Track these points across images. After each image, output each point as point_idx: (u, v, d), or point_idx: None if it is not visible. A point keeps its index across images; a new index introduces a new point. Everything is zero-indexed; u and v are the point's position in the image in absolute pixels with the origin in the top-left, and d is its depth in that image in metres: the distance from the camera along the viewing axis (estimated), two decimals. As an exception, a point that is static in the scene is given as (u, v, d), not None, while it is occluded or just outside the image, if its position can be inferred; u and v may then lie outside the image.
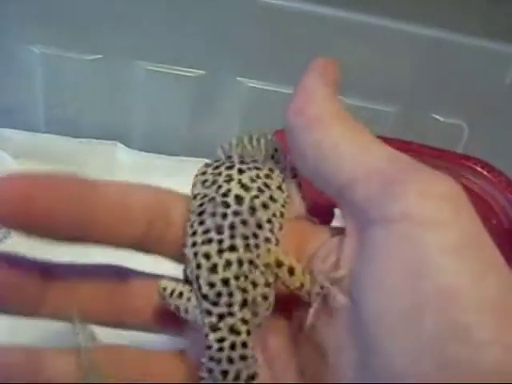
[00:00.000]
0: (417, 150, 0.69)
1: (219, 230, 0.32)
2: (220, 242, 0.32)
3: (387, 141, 0.69)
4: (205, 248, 0.32)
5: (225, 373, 0.31)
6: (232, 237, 0.32)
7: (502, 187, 0.68)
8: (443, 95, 0.70)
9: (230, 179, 0.35)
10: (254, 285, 0.32)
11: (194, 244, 0.33)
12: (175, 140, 0.73)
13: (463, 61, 0.69)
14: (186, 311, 0.33)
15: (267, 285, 0.32)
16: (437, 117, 0.70)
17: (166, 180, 0.75)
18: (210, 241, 0.32)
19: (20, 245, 0.63)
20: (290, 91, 0.69)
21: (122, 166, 0.74)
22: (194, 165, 0.75)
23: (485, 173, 0.68)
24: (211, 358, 0.32)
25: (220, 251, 0.32)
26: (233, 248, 0.32)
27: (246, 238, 0.32)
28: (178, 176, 0.75)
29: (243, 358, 0.31)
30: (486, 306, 0.28)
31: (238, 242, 0.32)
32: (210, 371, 0.32)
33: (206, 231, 0.33)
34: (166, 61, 0.68)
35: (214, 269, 0.32)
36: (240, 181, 0.34)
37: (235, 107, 0.70)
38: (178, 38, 0.66)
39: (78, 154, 0.73)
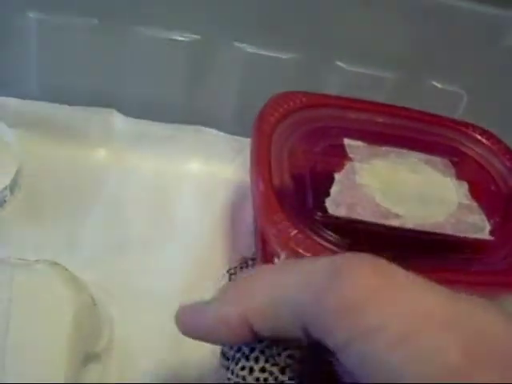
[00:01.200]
0: (415, 116, 0.69)
1: None
2: None
3: (386, 107, 0.69)
4: None
5: None
6: None
7: (500, 154, 0.68)
8: (442, 62, 0.69)
9: None
10: None
11: None
12: (172, 107, 0.73)
13: (462, 27, 0.68)
14: None
15: None
16: (435, 84, 0.70)
17: (163, 148, 0.75)
18: None
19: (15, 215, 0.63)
20: (288, 56, 0.70)
21: (118, 134, 0.73)
22: (192, 132, 0.76)
23: (483, 140, 0.68)
24: None
25: None
26: None
27: None
28: (175, 143, 0.75)
29: None
30: None
31: None
32: None
33: None
34: (161, 26, 0.66)
35: None
36: None
37: (232, 73, 0.70)
38: (173, 2, 0.65)
39: (73, 122, 0.72)
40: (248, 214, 0.70)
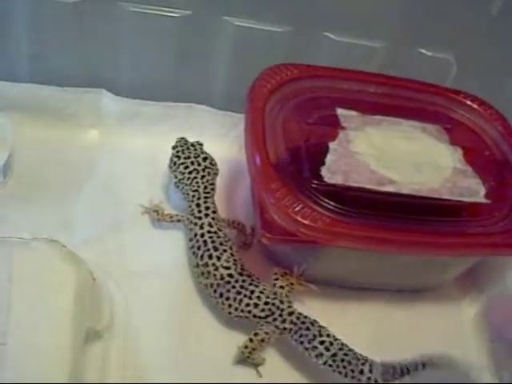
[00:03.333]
0: (406, 85, 0.69)
1: None
2: None
3: (377, 76, 0.69)
4: None
5: None
6: None
7: (492, 120, 0.68)
8: (431, 30, 0.69)
9: None
10: None
11: None
12: (162, 85, 0.72)
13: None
14: None
15: None
16: (424, 52, 0.70)
17: (155, 126, 0.74)
18: None
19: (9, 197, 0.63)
20: (278, 29, 0.69)
21: (108, 114, 0.72)
22: (183, 110, 0.75)
23: (475, 106, 0.69)
24: None
25: None
26: None
27: None
28: (167, 122, 0.75)
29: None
30: None
31: None
32: None
33: None
34: (150, 1, 0.66)
35: None
36: None
37: (222, 48, 0.69)
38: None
39: (63, 103, 0.72)
40: (244, 188, 0.70)
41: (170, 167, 0.64)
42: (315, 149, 0.59)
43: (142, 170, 0.70)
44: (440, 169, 0.61)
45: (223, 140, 0.73)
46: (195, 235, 0.58)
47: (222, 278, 0.56)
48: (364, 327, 0.62)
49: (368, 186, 0.57)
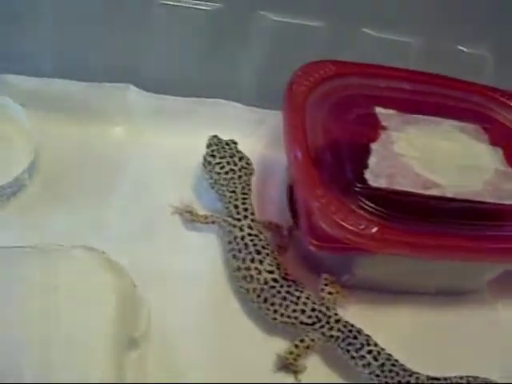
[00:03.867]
0: (443, 82, 0.67)
1: None
2: None
3: (414, 74, 0.67)
4: None
5: None
6: None
7: (532, 118, 0.66)
8: (467, 25, 0.67)
9: None
10: None
11: None
12: (190, 80, 0.70)
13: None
14: None
15: None
16: (461, 48, 0.68)
17: (181, 123, 0.72)
18: None
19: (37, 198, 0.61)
20: (315, 24, 0.67)
21: (135, 110, 0.70)
22: (210, 106, 0.73)
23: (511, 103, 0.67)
24: None
25: None
26: None
27: None
28: (193, 118, 0.73)
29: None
30: None
31: None
32: None
33: None
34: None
35: None
36: None
37: (256, 43, 0.67)
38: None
39: (88, 98, 0.69)
40: (273, 188, 0.69)
41: (205, 167, 0.62)
42: (357, 150, 0.58)
43: (171, 169, 0.68)
44: (481, 171, 0.60)
45: (250, 137, 0.71)
46: (235, 238, 0.57)
47: (266, 283, 0.55)
48: (402, 332, 0.61)
49: (413, 190, 0.56)
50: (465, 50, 0.68)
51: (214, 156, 0.61)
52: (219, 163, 0.61)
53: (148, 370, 0.54)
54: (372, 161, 0.57)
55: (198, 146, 0.65)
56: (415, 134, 0.60)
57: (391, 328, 0.60)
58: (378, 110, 0.62)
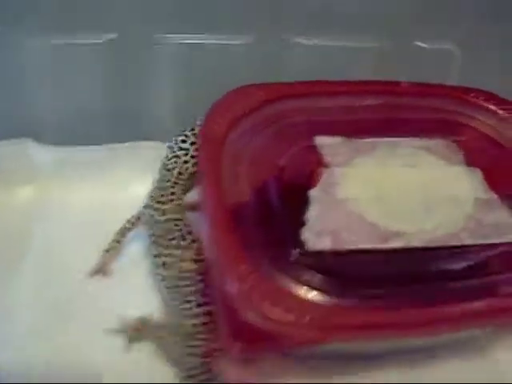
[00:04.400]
0: (403, 90, 0.54)
1: None
2: None
3: (365, 85, 0.54)
4: None
5: None
6: None
7: (513, 122, 0.53)
8: (424, 18, 0.54)
9: None
10: None
11: None
12: (96, 124, 0.57)
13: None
14: None
15: None
16: (421, 44, 0.55)
17: (95, 173, 0.60)
18: None
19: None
20: (238, 41, 0.54)
21: (40, 168, 0.58)
22: (127, 150, 0.61)
23: (491, 106, 0.54)
24: None
25: None
26: None
27: None
28: (107, 166, 0.60)
29: None
30: None
31: None
32: None
33: None
34: (67, 30, 0.51)
35: None
36: None
37: (165, 72, 0.54)
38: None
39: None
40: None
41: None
42: (292, 199, 0.45)
43: (88, 230, 0.56)
44: (458, 203, 0.47)
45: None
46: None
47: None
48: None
49: (368, 246, 0.43)
50: (425, 45, 0.55)
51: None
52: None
53: None
54: (311, 214, 0.44)
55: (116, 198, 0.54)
56: (366, 166, 0.48)
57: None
58: (319, 140, 0.49)
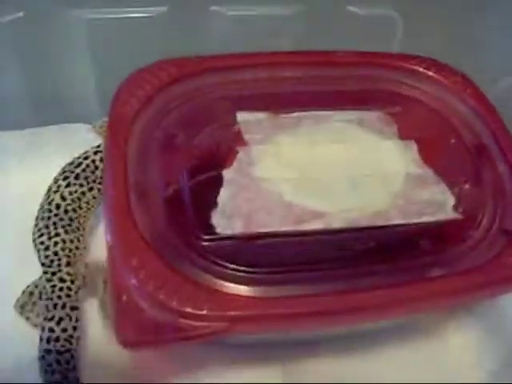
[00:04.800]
0: (334, 60, 0.50)
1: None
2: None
3: (302, 54, 0.50)
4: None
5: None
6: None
7: (458, 90, 0.49)
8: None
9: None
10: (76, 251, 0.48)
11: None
12: (17, 108, 0.54)
13: None
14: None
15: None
16: (354, 9, 0.51)
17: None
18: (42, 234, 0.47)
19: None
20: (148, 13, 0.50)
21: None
22: (53, 132, 0.58)
23: (433, 74, 0.50)
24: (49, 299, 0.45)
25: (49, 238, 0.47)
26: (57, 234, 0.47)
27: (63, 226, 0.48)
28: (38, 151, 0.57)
29: (68, 295, 0.45)
30: None
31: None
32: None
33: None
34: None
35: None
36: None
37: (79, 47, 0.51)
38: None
39: None
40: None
41: None
42: (205, 182, 0.42)
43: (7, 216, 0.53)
44: (387, 180, 0.43)
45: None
46: None
47: None
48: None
49: (283, 228, 0.39)
50: (360, 11, 0.50)
51: None
52: None
53: None
54: (223, 196, 0.40)
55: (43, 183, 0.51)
56: (289, 143, 0.44)
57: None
58: (240, 116, 0.45)
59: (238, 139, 0.44)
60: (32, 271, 0.47)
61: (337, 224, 0.41)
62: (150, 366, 0.45)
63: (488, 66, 0.51)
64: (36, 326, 0.45)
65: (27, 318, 0.46)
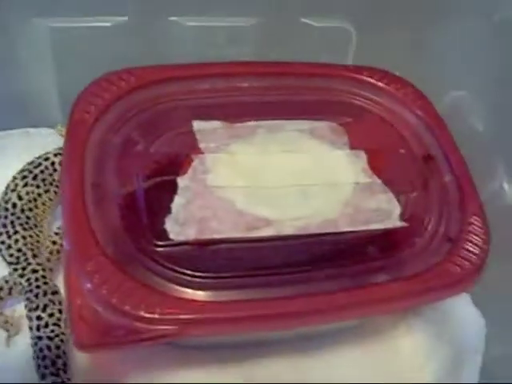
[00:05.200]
0: (293, 71, 0.52)
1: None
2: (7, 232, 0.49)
3: (256, 65, 0.52)
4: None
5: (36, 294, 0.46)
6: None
7: (408, 102, 0.51)
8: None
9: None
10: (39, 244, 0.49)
11: None
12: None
13: None
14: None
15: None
16: (309, 22, 0.52)
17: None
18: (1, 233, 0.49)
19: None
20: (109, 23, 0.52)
21: None
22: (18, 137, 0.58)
23: (382, 85, 0.52)
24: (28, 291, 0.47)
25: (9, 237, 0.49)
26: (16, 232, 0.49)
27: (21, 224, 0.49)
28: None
29: (45, 283, 0.47)
30: None
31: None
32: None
33: None
34: None
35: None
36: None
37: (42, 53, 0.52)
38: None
39: None
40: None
41: None
42: (159, 190, 0.43)
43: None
44: (336, 189, 0.45)
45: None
46: None
47: None
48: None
49: (235, 235, 0.41)
50: (314, 23, 0.52)
51: None
52: None
53: None
54: (177, 203, 0.42)
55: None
56: (243, 151, 0.45)
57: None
58: (196, 125, 0.47)
59: (194, 147, 0.46)
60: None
61: (287, 231, 0.42)
62: (106, 367, 0.46)
63: (438, 79, 0.53)
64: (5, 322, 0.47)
65: None
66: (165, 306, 0.38)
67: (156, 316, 0.37)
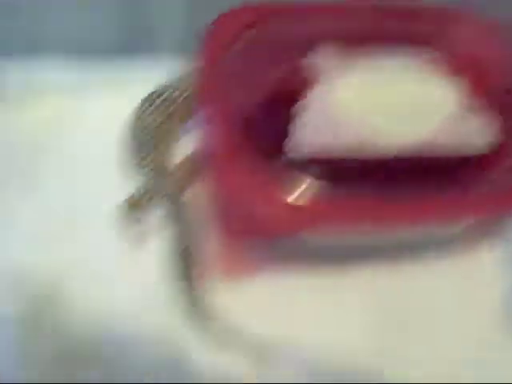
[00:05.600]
0: (390, 9, 0.56)
1: None
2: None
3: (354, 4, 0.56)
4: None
5: None
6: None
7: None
8: None
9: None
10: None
11: None
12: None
13: None
14: None
15: None
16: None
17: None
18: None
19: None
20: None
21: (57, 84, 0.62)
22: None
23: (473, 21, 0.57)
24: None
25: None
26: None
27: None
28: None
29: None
30: None
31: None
32: None
33: None
34: None
35: None
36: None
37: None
38: None
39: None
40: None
41: None
42: (280, 111, 0.49)
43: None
44: (437, 112, 0.50)
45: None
46: None
47: None
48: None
49: (349, 152, 0.47)
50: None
51: None
52: None
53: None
54: (298, 123, 0.48)
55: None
56: (357, 77, 0.51)
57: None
58: (312, 56, 0.52)
59: (311, 75, 0.51)
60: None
61: (393, 151, 0.48)
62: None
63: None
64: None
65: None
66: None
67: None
